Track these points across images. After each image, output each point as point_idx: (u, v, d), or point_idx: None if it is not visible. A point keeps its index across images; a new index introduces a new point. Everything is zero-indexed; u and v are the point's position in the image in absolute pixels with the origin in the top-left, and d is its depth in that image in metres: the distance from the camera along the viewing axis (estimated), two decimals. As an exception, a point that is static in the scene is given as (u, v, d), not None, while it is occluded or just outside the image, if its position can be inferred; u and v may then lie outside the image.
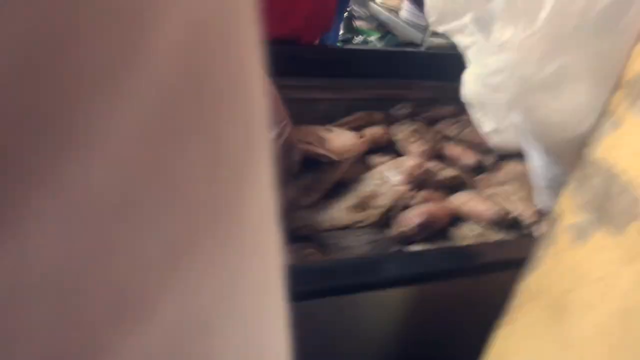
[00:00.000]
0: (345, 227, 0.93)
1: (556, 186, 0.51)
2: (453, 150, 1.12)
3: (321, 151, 0.99)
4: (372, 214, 0.94)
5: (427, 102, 1.29)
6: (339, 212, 0.94)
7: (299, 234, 0.90)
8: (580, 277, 0.46)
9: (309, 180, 0.98)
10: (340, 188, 1.03)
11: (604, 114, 0.42)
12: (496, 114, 0.59)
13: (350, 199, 0.96)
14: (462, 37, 0.45)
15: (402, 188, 0.96)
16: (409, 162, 0.99)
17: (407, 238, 0.88)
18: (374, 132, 1.12)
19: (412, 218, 0.86)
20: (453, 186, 1.01)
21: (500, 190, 0.98)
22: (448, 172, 1.00)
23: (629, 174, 0.41)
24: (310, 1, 1.20)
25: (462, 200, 0.92)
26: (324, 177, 0.99)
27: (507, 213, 0.87)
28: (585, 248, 0.45)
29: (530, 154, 0.52)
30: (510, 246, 0.76)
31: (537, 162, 0.50)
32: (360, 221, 0.94)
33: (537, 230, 0.87)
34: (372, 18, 3.51)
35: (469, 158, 1.10)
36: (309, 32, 1.26)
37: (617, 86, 0.41)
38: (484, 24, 0.43)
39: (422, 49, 2.58)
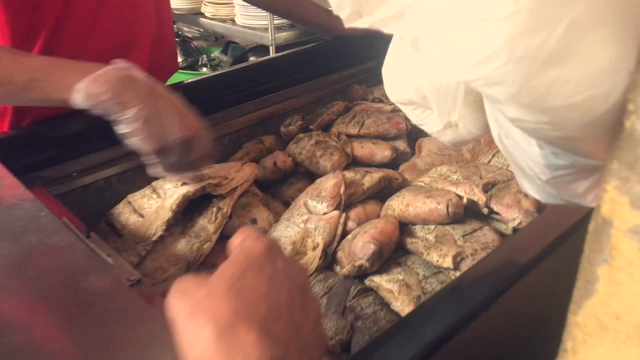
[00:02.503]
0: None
1: (565, 178, 0.39)
2: (363, 149, 0.99)
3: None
4: (313, 258, 0.78)
5: (311, 106, 1.15)
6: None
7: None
8: (669, 293, 0.34)
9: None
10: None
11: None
12: (444, 106, 0.46)
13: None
14: (403, 26, 0.31)
15: (333, 215, 0.82)
16: (328, 182, 0.84)
17: (365, 269, 0.74)
18: (273, 160, 0.96)
19: (364, 247, 0.72)
20: (382, 190, 0.88)
21: (434, 175, 0.86)
22: (373, 177, 0.86)
23: None
24: (147, 52, 1.00)
25: (403, 205, 0.79)
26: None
27: (458, 200, 0.76)
28: (665, 254, 0.33)
29: (517, 144, 0.39)
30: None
31: (534, 154, 0.38)
32: (303, 270, 0.77)
33: (497, 213, 0.77)
34: (207, 34, 3.31)
35: (383, 151, 0.98)
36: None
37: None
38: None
39: (271, 47, 2.45)
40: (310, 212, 0.83)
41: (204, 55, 3.09)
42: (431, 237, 0.75)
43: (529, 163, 0.40)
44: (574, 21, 0.27)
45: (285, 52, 1.20)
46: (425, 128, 0.50)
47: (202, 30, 3.05)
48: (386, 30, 0.32)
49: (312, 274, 0.77)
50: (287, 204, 0.92)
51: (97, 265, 0.57)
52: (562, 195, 0.41)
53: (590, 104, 0.30)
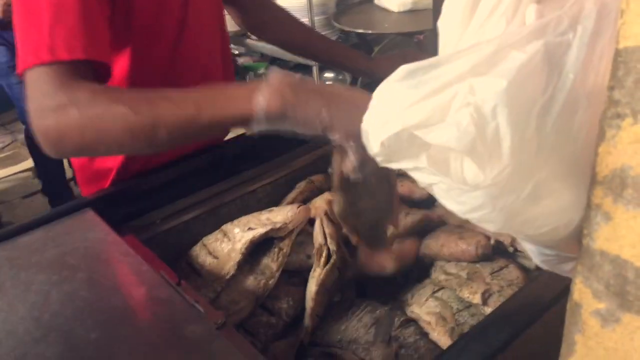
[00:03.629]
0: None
1: (553, 261, 0.51)
2: (403, 187, 1.12)
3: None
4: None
5: (356, 144, 1.28)
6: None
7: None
8: (624, 358, 0.46)
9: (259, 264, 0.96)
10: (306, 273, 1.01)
11: (591, 207, 0.42)
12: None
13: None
14: (420, 176, 0.44)
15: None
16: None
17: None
18: (320, 203, 1.10)
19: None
20: (422, 227, 1.01)
21: (465, 214, 0.98)
22: (414, 217, 0.99)
23: (638, 262, 0.41)
24: None
25: (438, 245, 0.92)
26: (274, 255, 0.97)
27: (486, 242, 0.88)
28: (619, 331, 0.45)
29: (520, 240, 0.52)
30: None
31: (529, 246, 0.50)
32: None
33: (520, 251, 0.88)
34: (252, 51, 3.48)
35: (421, 190, 1.10)
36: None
37: (594, 182, 0.41)
38: (441, 165, 0.42)
39: (314, 67, 2.59)
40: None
41: (251, 73, 3.27)
42: (463, 274, 0.88)
43: (526, 247, 0.52)
44: (537, 183, 0.39)
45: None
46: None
47: (247, 48, 3.21)
48: (409, 173, 0.45)
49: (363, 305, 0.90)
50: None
51: (191, 314, 0.73)
52: (554, 270, 0.53)
53: (555, 232, 0.42)
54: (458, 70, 0.38)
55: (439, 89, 0.38)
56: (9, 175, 3.38)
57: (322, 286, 0.91)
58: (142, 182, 1.05)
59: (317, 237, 0.96)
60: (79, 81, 0.78)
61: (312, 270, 0.93)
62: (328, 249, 0.94)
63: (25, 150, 3.32)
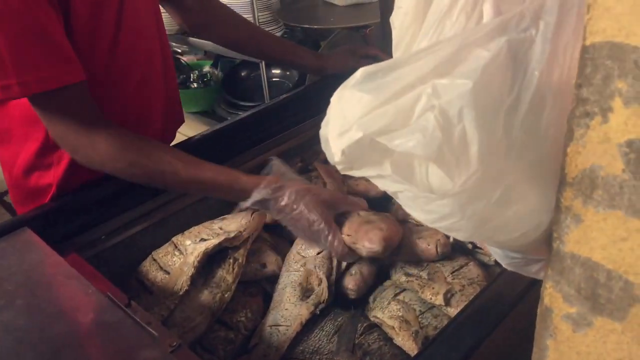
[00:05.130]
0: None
1: (519, 264, 0.49)
2: (359, 186, 1.10)
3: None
4: (322, 290, 0.89)
5: (308, 144, 1.25)
6: (295, 308, 0.87)
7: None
8: (597, 361, 0.44)
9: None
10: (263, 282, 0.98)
11: (561, 210, 0.40)
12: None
13: (293, 292, 0.90)
14: (384, 184, 0.41)
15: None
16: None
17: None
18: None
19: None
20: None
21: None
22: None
23: (609, 264, 0.40)
24: (160, 107, 1.10)
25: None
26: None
27: (446, 240, 0.86)
28: (591, 334, 0.44)
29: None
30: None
31: (495, 250, 0.48)
32: (320, 302, 0.88)
33: (479, 247, 0.87)
34: (196, 49, 3.38)
35: (376, 187, 1.08)
36: (167, 135, 1.16)
37: (564, 183, 0.39)
38: (405, 171, 0.39)
39: (261, 63, 2.54)
40: (304, 257, 0.94)
41: (196, 71, 3.17)
42: (424, 275, 0.86)
43: (492, 251, 0.51)
44: (507, 187, 0.38)
45: (279, 99, 1.29)
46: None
47: (189, 46, 3.11)
48: (373, 181, 0.42)
49: (325, 306, 0.87)
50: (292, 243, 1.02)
51: (143, 337, 0.68)
52: (520, 272, 0.52)
53: (525, 235, 0.40)
54: (420, 72, 0.36)
55: (400, 91, 0.36)
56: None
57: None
58: (84, 196, 0.98)
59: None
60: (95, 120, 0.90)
61: (298, 301, 0.89)
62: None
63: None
